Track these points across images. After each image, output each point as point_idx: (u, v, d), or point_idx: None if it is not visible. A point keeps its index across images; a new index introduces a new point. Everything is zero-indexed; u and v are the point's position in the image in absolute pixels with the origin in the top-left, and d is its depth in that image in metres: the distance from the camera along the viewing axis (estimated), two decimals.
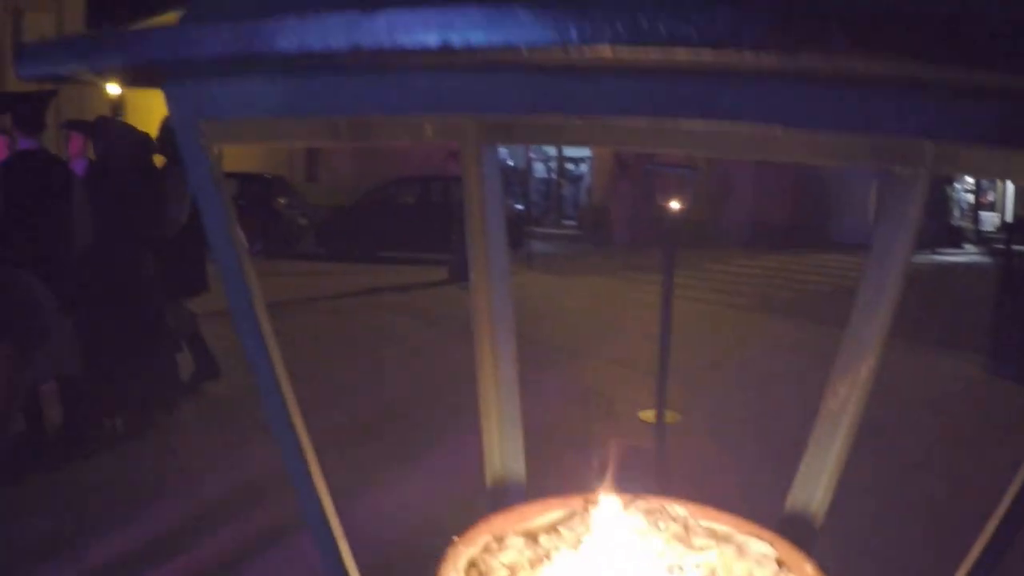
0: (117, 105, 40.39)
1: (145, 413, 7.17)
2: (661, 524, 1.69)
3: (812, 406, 1.78)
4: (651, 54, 0.71)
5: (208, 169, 1.03)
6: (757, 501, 2.01)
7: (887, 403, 4.47)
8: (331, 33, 0.79)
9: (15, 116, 6.57)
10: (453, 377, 8.28)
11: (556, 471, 5.39)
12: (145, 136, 7.51)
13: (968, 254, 25.86)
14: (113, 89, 31.18)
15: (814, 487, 1.78)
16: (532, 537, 1.69)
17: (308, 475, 1.28)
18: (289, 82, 0.93)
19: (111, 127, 7.75)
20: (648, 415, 6.98)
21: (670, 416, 6.52)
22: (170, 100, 1.02)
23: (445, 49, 0.74)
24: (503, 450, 2.02)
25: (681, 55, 0.71)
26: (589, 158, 31.04)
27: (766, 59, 0.69)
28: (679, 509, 1.74)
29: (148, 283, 7.15)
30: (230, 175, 15.11)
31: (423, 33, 0.75)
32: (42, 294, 5.72)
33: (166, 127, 7.65)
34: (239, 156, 20.13)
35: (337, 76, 0.90)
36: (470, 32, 0.73)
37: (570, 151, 31.50)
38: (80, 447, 6.46)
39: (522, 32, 0.71)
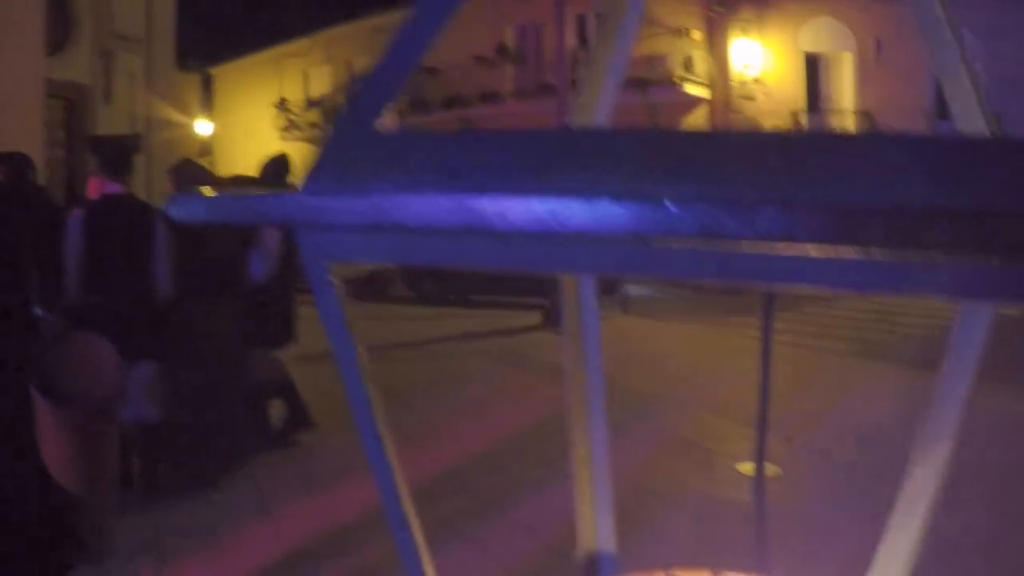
0: (205, 146, 41.32)
1: (228, 462, 7.14)
2: None
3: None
4: None
5: (334, 299, 1.17)
6: (856, 560, 2.02)
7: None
8: (472, 213, 0.92)
9: (101, 159, 6.61)
10: (544, 425, 8.36)
11: (650, 526, 5.44)
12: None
13: None
14: (203, 130, 31.49)
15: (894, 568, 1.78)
16: None
17: (407, 524, 1.36)
18: (408, 239, 1.05)
19: (193, 172, 7.79)
20: (746, 467, 6.90)
21: (769, 469, 6.49)
22: (301, 243, 1.15)
23: (555, 234, 0.87)
24: (595, 520, 2.06)
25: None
26: None
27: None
28: None
29: (228, 335, 7.14)
30: None
31: (535, 219, 0.87)
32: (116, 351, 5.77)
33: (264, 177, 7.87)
34: None
35: (450, 239, 1.02)
36: (577, 220, 0.85)
37: None
38: (158, 495, 6.50)
39: (619, 223, 0.83)
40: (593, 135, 0.98)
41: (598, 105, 1.81)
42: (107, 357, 1.98)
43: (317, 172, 1.13)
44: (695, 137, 0.98)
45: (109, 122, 24.05)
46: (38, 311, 2.10)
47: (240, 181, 8.66)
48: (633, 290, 18.32)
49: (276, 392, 8.03)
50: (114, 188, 6.44)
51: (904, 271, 0.81)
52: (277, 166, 7.96)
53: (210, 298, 6.95)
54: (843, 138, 0.92)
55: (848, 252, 0.79)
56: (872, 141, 0.88)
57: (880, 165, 0.82)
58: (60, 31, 23.65)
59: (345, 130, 1.15)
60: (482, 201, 0.90)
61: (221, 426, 7.05)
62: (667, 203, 0.80)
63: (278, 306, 7.58)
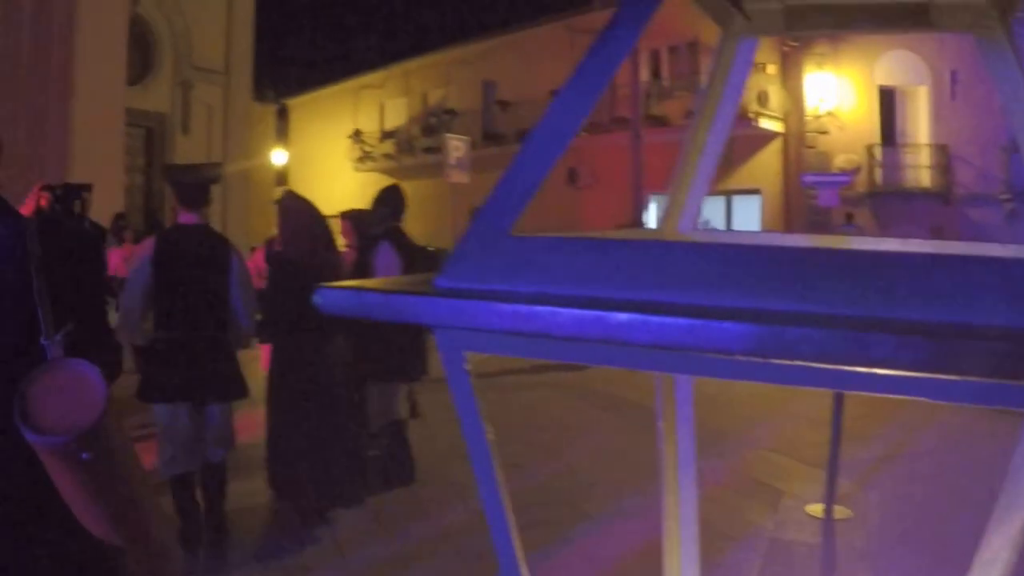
0: (281, 176, 41.81)
1: (320, 503, 6.82)
2: None
3: (991, 506, 1.78)
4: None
5: (467, 386, 1.26)
6: None
7: None
8: (603, 326, 1.01)
9: (177, 188, 6.33)
10: (609, 460, 8.39)
11: (720, 568, 5.44)
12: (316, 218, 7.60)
13: None
14: (278, 160, 31.81)
15: None
16: None
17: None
18: (541, 341, 1.14)
19: (296, 204, 7.77)
20: (816, 509, 6.82)
21: (839, 511, 6.45)
22: (440, 337, 1.24)
23: (673, 346, 0.95)
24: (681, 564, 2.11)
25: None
26: None
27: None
28: None
29: (332, 370, 6.82)
30: None
31: (656, 335, 0.96)
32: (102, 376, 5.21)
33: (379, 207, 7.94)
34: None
35: (580, 344, 1.11)
36: (696, 338, 0.95)
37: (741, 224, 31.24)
38: (224, 534, 6.29)
39: (734, 344, 0.92)
40: (714, 250, 1.05)
41: (708, 144, 1.89)
42: (88, 383, 1.96)
43: (453, 270, 1.23)
44: (810, 253, 1.05)
45: (187, 151, 24.53)
46: (48, 343, 2.11)
47: (352, 215, 8.61)
48: None
49: (387, 430, 7.82)
50: (189, 219, 6.21)
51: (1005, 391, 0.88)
52: (391, 197, 7.99)
53: (321, 331, 6.62)
54: (951, 260, 0.99)
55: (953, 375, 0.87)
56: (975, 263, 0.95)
57: (987, 288, 0.90)
58: (141, 62, 24.18)
59: (481, 231, 1.24)
60: (613, 317, 0.98)
61: (322, 466, 6.73)
62: (784, 330, 0.87)
63: (403, 338, 7.38)
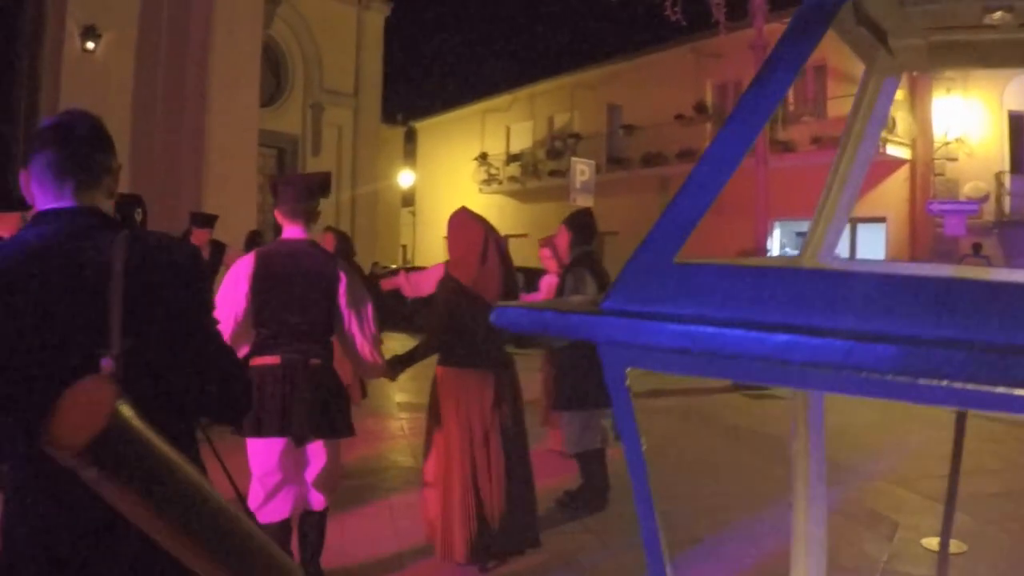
0: (408, 197, 42.28)
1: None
2: None
3: None
4: None
5: (628, 401, 1.35)
6: None
7: None
8: (761, 346, 1.09)
9: (280, 200, 5.50)
10: (725, 489, 8.35)
11: None
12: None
13: None
14: (405, 181, 32.21)
15: None
16: None
17: None
18: (699, 359, 1.23)
19: (585, 220, 7.93)
20: (932, 543, 6.69)
21: (955, 545, 6.35)
22: (605, 354, 1.33)
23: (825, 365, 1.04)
24: None
25: None
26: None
27: None
28: None
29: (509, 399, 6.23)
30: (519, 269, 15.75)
31: (815, 355, 1.04)
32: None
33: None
34: (529, 249, 20.95)
35: (735, 361, 1.19)
36: (851, 358, 1.03)
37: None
38: None
39: (889, 365, 1.00)
40: (862, 279, 1.12)
41: (850, 177, 1.94)
42: (95, 399, 1.94)
43: (620, 293, 1.32)
44: (955, 283, 1.11)
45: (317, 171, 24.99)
46: (102, 356, 2.12)
47: (551, 241, 8.80)
48: None
49: (584, 455, 7.68)
50: (294, 232, 5.46)
51: None
52: (581, 223, 7.96)
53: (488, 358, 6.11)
54: None
55: None
56: None
57: None
58: (274, 85, 24.80)
59: (646, 257, 1.33)
60: (774, 338, 1.07)
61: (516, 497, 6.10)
62: (932, 352, 0.94)
63: (587, 364, 7.08)
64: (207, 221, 10.76)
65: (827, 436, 8.33)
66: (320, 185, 5.69)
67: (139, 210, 8.28)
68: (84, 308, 2.16)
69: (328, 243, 9.97)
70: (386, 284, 7.44)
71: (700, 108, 29.84)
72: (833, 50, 21.06)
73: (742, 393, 14.53)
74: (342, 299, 5.32)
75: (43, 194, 2.39)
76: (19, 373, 2.17)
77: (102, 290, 2.15)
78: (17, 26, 16.15)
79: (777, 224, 22.24)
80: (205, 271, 2.44)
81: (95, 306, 2.14)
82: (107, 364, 2.02)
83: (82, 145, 2.41)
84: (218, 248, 10.66)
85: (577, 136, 34.36)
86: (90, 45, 16.15)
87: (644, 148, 30.97)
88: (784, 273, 1.20)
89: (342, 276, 5.37)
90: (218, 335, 2.57)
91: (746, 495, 7.96)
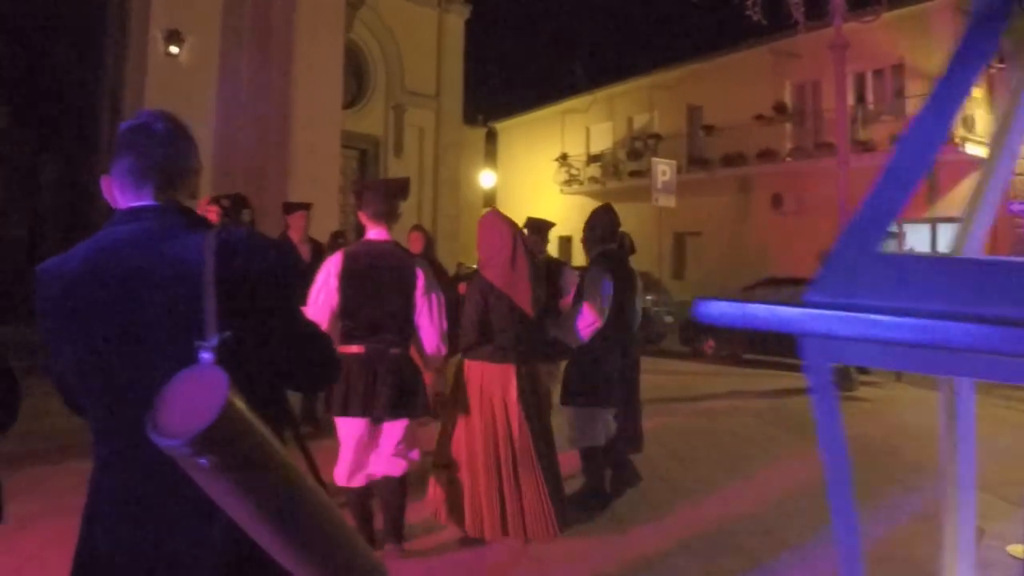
0: (489, 197, 42.30)
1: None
2: None
3: None
4: None
5: (832, 398, 1.40)
6: None
7: None
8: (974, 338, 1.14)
9: (364, 204, 6.18)
10: (812, 491, 8.24)
11: None
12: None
13: None
14: (486, 182, 32.36)
15: None
16: None
17: None
18: (901, 350, 1.27)
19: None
20: (1017, 550, 6.62)
21: None
22: (807, 347, 1.37)
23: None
24: None
25: None
26: None
27: None
28: None
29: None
30: None
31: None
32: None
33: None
34: None
35: (933, 352, 1.22)
36: None
37: None
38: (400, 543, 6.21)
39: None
40: None
41: (996, 175, 1.95)
42: (208, 387, 1.94)
43: (822, 285, 1.36)
44: None
45: (398, 172, 25.21)
46: (200, 347, 2.14)
47: None
48: None
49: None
50: (377, 233, 6.14)
51: None
52: (599, 220, 7.88)
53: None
54: None
55: None
56: None
57: None
58: (355, 87, 25.00)
59: (848, 249, 1.36)
60: (1000, 332, 1.09)
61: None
62: None
63: (591, 361, 7.38)
64: (299, 206, 10.74)
65: (908, 438, 8.25)
66: (399, 189, 6.44)
67: (247, 211, 8.43)
68: (179, 302, 2.19)
69: (416, 241, 10.13)
70: (463, 288, 7.72)
71: (779, 108, 29.57)
72: (910, 48, 20.73)
73: None
74: (418, 293, 5.97)
75: (124, 196, 2.39)
76: (116, 365, 2.21)
77: (196, 284, 2.17)
78: (101, 31, 16.45)
79: None
80: (294, 264, 2.46)
81: (190, 300, 2.16)
82: (207, 356, 2.04)
83: (162, 147, 2.39)
84: (317, 247, 10.69)
85: (657, 136, 34.21)
86: (174, 49, 16.43)
87: (724, 148, 30.75)
88: (988, 264, 1.22)
89: (420, 273, 6.02)
90: (309, 323, 2.61)
91: (821, 498, 7.89)
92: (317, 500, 2.14)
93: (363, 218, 6.22)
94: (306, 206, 10.67)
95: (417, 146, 27.26)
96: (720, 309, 1.45)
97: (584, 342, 7.17)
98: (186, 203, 2.44)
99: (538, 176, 39.80)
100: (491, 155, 44.81)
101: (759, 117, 29.67)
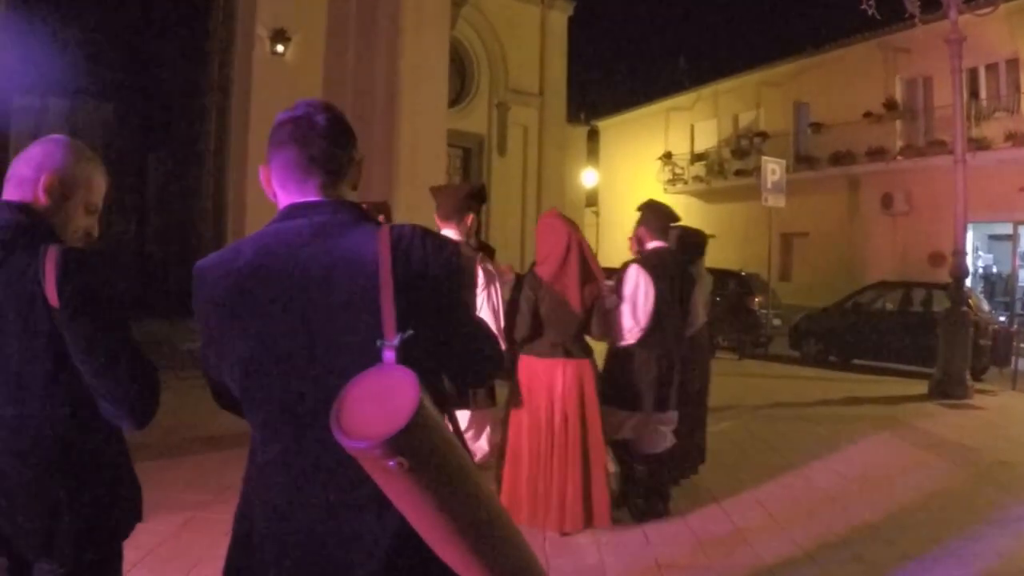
0: (591, 196, 42.29)
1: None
2: None
3: None
4: None
5: None
6: None
7: None
8: None
9: (437, 206, 7.08)
10: (930, 500, 8.04)
11: None
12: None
13: None
14: (588, 180, 32.54)
15: None
16: None
17: None
18: None
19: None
20: None
21: None
22: None
23: None
24: None
25: None
26: None
27: None
28: None
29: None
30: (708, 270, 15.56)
31: None
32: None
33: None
34: (715, 251, 20.77)
35: None
36: None
37: None
38: None
39: None
40: None
41: None
42: (398, 390, 1.90)
43: None
44: None
45: (502, 171, 25.35)
46: (382, 345, 2.09)
47: None
48: None
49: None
50: (446, 233, 6.54)
51: None
52: (645, 215, 7.61)
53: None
54: None
55: None
56: None
57: None
58: (459, 85, 25.09)
59: None
60: None
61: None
62: None
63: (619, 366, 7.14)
64: (375, 207, 10.75)
65: (988, 433, 8.08)
66: (468, 195, 7.21)
67: (382, 216, 8.52)
68: (356, 299, 2.17)
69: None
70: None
71: (890, 105, 28.95)
72: None
73: (936, 402, 14.06)
74: (477, 289, 6.69)
75: (286, 190, 2.35)
76: (291, 364, 2.19)
77: (373, 281, 2.15)
78: (207, 31, 16.66)
79: (969, 227, 21.27)
80: (460, 262, 2.43)
81: (367, 297, 2.14)
82: (389, 355, 2.03)
83: (324, 139, 2.33)
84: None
85: (763, 135, 33.84)
86: (279, 48, 16.58)
87: (832, 147, 30.28)
88: None
89: (479, 270, 6.85)
90: (479, 320, 2.63)
91: (949, 507, 7.73)
92: (493, 498, 2.15)
93: (436, 219, 7.06)
94: (381, 206, 10.74)
95: (521, 145, 27.22)
96: None
97: (627, 343, 6.96)
98: (349, 196, 2.44)
99: (641, 175, 39.59)
100: (593, 153, 44.81)
101: (868, 114, 29.13)
